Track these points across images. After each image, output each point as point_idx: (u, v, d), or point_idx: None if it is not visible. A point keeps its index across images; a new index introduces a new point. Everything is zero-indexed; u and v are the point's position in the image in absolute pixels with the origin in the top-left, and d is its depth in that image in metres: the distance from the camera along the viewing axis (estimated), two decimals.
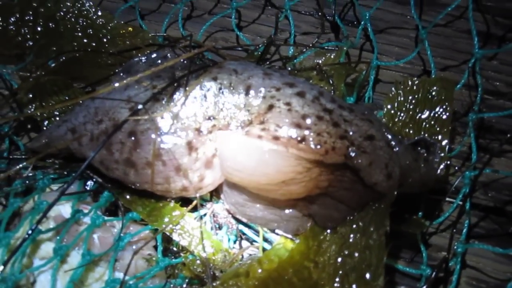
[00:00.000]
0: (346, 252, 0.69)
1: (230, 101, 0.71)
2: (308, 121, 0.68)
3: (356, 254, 0.68)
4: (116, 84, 0.71)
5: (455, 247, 0.74)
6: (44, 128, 0.84)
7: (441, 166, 0.75)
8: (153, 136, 0.70)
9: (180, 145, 0.70)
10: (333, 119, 0.69)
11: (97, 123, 0.73)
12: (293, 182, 0.69)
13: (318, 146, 0.67)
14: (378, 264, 0.66)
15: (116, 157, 0.71)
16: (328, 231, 0.72)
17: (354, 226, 0.70)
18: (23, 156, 0.83)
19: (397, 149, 0.71)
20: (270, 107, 0.69)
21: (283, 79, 0.73)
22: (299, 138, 0.67)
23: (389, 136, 0.72)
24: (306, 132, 0.67)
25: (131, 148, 0.70)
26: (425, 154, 0.74)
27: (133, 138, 0.70)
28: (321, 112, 0.70)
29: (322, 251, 0.71)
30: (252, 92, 0.71)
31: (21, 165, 0.75)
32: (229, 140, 0.70)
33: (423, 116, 0.81)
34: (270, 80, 0.72)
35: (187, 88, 0.72)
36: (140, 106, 0.70)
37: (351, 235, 0.70)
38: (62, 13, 0.97)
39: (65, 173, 0.81)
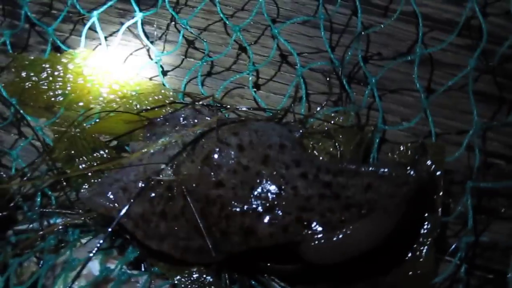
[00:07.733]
0: None
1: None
2: (312, 202, 0.74)
3: None
4: (144, 150, 0.84)
5: None
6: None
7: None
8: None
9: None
10: (333, 192, 0.75)
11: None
12: None
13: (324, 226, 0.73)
14: None
15: (155, 209, 0.80)
16: None
17: None
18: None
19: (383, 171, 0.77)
20: (279, 189, 0.76)
21: (292, 155, 0.80)
22: (304, 223, 0.73)
23: (374, 170, 0.78)
24: (311, 215, 0.73)
25: (166, 199, 0.79)
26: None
27: (168, 191, 0.79)
28: (321, 189, 0.76)
29: None
30: (267, 163, 0.78)
31: (59, 224, 0.82)
32: None
33: None
34: (283, 155, 0.80)
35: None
36: (163, 166, 0.81)
37: None
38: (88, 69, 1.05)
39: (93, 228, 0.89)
